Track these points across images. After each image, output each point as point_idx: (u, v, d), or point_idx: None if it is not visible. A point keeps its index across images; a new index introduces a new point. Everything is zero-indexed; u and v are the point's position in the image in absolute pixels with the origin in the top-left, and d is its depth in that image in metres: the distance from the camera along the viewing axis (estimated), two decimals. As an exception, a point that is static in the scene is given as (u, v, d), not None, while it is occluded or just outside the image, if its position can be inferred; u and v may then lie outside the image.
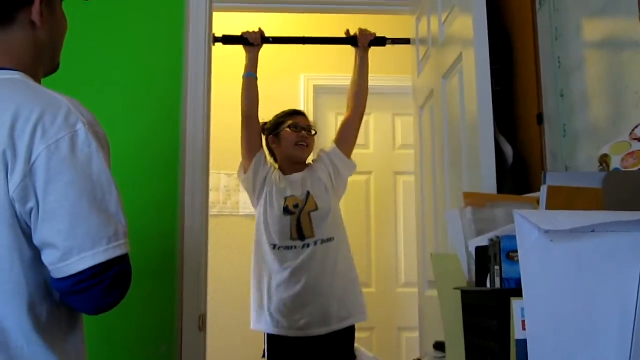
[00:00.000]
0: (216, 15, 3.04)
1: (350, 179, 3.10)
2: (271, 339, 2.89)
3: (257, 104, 3.00)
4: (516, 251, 1.20)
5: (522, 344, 1.09)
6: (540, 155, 2.17)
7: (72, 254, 1.21)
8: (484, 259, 1.42)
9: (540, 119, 2.18)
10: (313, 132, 3.07)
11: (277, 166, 3.08)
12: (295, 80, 4.40)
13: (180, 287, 2.71)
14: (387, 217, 4.39)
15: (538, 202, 1.43)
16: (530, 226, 1.03)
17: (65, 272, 1.22)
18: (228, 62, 3.43)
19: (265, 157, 3.02)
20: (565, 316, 1.01)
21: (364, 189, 4.35)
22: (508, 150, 2.33)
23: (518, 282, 1.15)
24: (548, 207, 1.29)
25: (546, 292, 1.02)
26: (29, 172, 1.21)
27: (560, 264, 1.02)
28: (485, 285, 1.39)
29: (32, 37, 1.39)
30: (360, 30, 3.06)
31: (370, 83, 3.06)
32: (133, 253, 1.31)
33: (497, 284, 1.30)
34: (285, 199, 2.94)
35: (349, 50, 3.13)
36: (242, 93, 3.00)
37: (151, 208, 2.72)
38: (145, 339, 2.67)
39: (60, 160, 1.22)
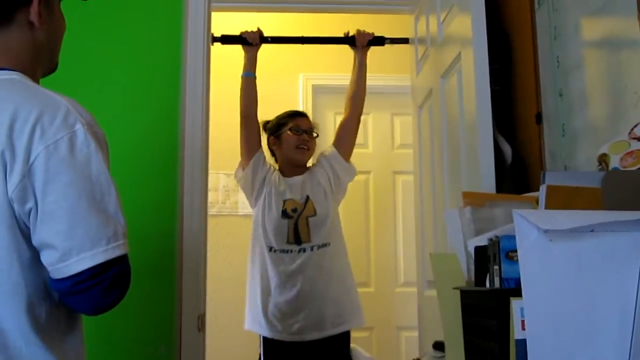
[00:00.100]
0: (215, 15, 3.04)
1: (349, 178, 3.10)
2: (266, 342, 2.89)
3: (256, 104, 2.99)
4: (515, 251, 1.20)
5: (522, 344, 1.09)
6: (539, 155, 2.17)
7: (71, 254, 1.21)
8: (483, 258, 1.42)
9: (539, 118, 2.18)
10: (314, 135, 3.06)
11: (276, 167, 3.07)
12: (294, 80, 4.40)
13: (179, 287, 2.71)
14: (386, 216, 4.39)
15: (537, 202, 1.43)
16: (530, 226, 1.03)
17: (64, 272, 1.22)
18: (227, 61, 3.42)
19: (264, 157, 3.01)
20: (564, 316, 1.01)
21: (363, 188, 4.34)
22: (507, 149, 2.33)
23: (517, 281, 1.15)
24: (547, 207, 1.29)
25: (545, 292, 1.02)
26: (28, 172, 1.21)
27: (559, 264, 1.02)
28: (485, 285, 1.39)
29: (31, 37, 1.39)
30: (358, 30, 3.06)
31: (369, 82, 3.06)
32: (132, 253, 1.31)
33: (497, 284, 1.30)
34: (284, 202, 2.93)
35: (347, 50, 3.13)
36: (241, 93, 3.00)
37: (150, 208, 2.72)
38: (144, 339, 2.67)
39: (59, 161, 1.22)
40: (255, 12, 3.38)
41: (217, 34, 3.03)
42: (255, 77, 2.99)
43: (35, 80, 1.40)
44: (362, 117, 3.11)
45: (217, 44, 3.05)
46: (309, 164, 3.09)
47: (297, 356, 2.87)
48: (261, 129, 3.12)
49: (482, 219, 1.61)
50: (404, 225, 4.29)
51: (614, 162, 1.45)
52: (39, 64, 1.43)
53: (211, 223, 3.59)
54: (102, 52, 2.82)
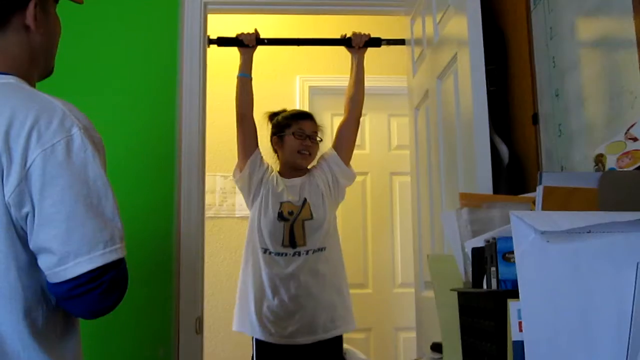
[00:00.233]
0: (211, 17, 3.04)
1: (347, 179, 3.09)
2: (259, 344, 2.88)
3: (252, 104, 2.97)
4: (512, 252, 1.20)
5: (519, 345, 1.09)
6: (535, 155, 2.17)
7: (68, 258, 1.21)
8: (481, 260, 1.42)
9: (535, 118, 2.18)
10: (318, 139, 3.04)
11: (276, 167, 3.05)
12: (290, 81, 4.40)
13: (177, 289, 2.71)
14: (383, 217, 4.39)
15: (534, 202, 1.43)
16: (526, 227, 1.03)
17: (62, 276, 1.22)
18: (223, 63, 3.42)
19: (261, 157, 2.99)
20: (561, 317, 1.01)
21: (360, 189, 4.34)
22: (503, 150, 2.33)
23: (514, 283, 1.15)
24: (544, 208, 1.29)
25: (542, 293, 1.02)
26: (25, 176, 1.21)
27: (556, 265, 1.02)
28: (482, 286, 1.39)
29: (27, 41, 1.39)
30: (354, 32, 3.06)
31: (366, 84, 3.06)
32: (129, 256, 1.31)
33: (494, 285, 1.30)
34: (281, 204, 2.91)
35: (344, 51, 3.13)
36: (236, 93, 2.98)
37: (147, 211, 2.72)
38: (142, 342, 2.68)
39: (56, 165, 1.22)
40: (251, 14, 3.38)
41: (214, 36, 3.03)
42: (250, 78, 2.98)
43: (32, 84, 1.40)
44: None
45: (214, 46, 3.04)
46: (309, 166, 3.08)
47: (289, 359, 2.87)
48: (268, 121, 3.11)
49: (479, 220, 1.61)
50: (401, 226, 4.29)
51: (611, 162, 1.45)
52: (35, 68, 1.43)
53: (208, 225, 3.60)
54: (99, 55, 2.83)
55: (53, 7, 1.46)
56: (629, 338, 0.98)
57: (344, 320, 2.94)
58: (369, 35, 3.06)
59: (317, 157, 3.09)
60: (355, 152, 3.12)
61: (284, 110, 3.19)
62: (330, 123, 4.20)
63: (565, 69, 1.97)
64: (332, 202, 3.01)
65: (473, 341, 1.38)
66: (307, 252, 2.88)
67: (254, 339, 2.90)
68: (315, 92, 4.39)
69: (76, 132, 1.26)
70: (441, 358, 1.72)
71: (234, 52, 3.06)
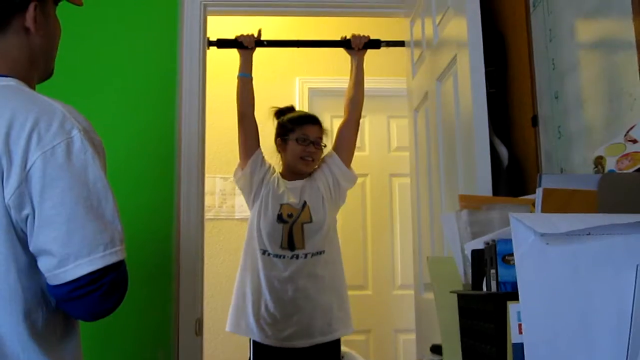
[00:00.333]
0: (210, 19, 3.04)
1: (346, 181, 3.08)
2: (256, 346, 2.87)
3: (252, 104, 2.97)
4: (512, 254, 1.20)
5: (519, 348, 1.09)
6: (535, 157, 2.17)
7: (68, 260, 1.21)
8: (480, 262, 1.42)
9: (534, 120, 2.18)
10: (322, 145, 3.02)
11: (278, 168, 3.04)
12: (290, 83, 4.40)
13: (177, 291, 2.71)
14: (382, 219, 4.39)
15: (533, 204, 1.43)
16: (526, 229, 1.03)
17: (62, 278, 1.22)
18: (223, 65, 3.43)
19: (263, 157, 2.99)
20: (561, 319, 1.01)
21: (360, 191, 4.34)
22: (503, 152, 2.33)
23: (514, 285, 1.15)
24: (543, 210, 1.29)
25: (542, 296, 1.02)
26: (25, 178, 1.21)
27: (556, 267, 1.02)
28: (482, 289, 1.39)
29: (27, 43, 1.39)
30: (354, 34, 3.06)
31: (365, 85, 3.06)
32: (129, 258, 1.31)
33: (493, 288, 1.30)
34: (281, 206, 2.91)
35: (343, 53, 3.13)
36: (237, 93, 2.97)
37: (147, 212, 2.73)
38: (142, 344, 2.67)
39: (56, 167, 1.22)
40: (250, 16, 3.38)
41: (213, 38, 3.03)
42: (251, 78, 2.98)
43: (32, 86, 1.40)
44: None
45: (213, 48, 3.05)
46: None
47: None
48: (274, 117, 3.10)
49: (479, 221, 1.61)
50: (401, 227, 4.29)
51: (610, 164, 1.45)
52: (35, 70, 1.43)
53: (208, 227, 3.60)
54: (98, 57, 2.83)
55: (53, 9, 1.46)
56: (629, 340, 0.98)
57: (342, 323, 2.93)
58: (368, 37, 3.06)
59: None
60: (354, 153, 3.11)
61: (292, 108, 3.18)
62: (329, 125, 4.20)
63: (565, 70, 1.97)
64: (333, 205, 3.00)
65: (473, 343, 1.38)
66: (305, 256, 2.87)
67: (251, 341, 2.89)
68: (314, 93, 4.40)
69: (76, 134, 1.26)
70: (441, 360, 1.72)
71: (233, 54, 3.06)
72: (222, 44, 3.05)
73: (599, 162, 1.48)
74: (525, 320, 1.03)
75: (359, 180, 4.28)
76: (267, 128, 3.15)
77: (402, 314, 4.12)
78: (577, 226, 1.02)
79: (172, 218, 2.76)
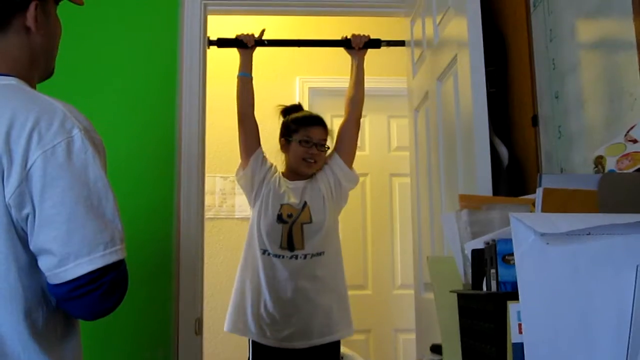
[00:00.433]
0: (211, 18, 3.04)
1: (346, 181, 3.08)
2: (255, 346, 2.87)
3: (252, 103, 2.96)
4: (512, 254, 1.20)
5: (519, 347, 1.09)
6: (535, 157, 2.17)
7: (68, 259, 1.21)
8: (480, 261, 1.42)
9: (535, 120, 2.18)
10: (325, 147, 3.00)
11: (281, 167, 3.04)
12: (290, 83, 4.40)
13: (177, 290, 2.71)
14: (382, 218, 4.39)
15: (534, 204, 1.43)
16: (526, 229, 1.03)
17: (62, 277, 1.22)
18: (223, 65, 3.42)
19: (264, 157, 2.98)
20: (561, 319, 1.01)
21: (360, 190, 4.34)
22: (503, 151, 2.33)
23: (514, 285, 1.15)
24: (543, 210, 1.29)
25: (542, 296, 1.02)
26: (25, 178, 1.21)
27: (556, 267, 1.02)
28: (482, 288, 1.39)
29: (27, 43, 1.39)
30: (354, 33, 3.06)
31: (365, 85, 3.06)
32: (129, 257, 1.31)
33: (493, 287, 1.30)
34: (281, 206, 2.90)
35: (344, 53, 3.13)
36: (237, 92, 2.97)
37: (147, 212, 2.73)
38: (141, 343, 2.67)
39: (56, 166, 1.22)
40: (251, 15, 3.38)
41: (213, 37, 3.03)
42: (251, 77, 2.97)
43: (32, 85, 1.40)
44: (358, 120, 3.09)
45: (213, 47, 3.05)
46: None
47: None
48: (280, 115, 3.10)
49: (479, 221, 1.61)
50: (401, 227, 4.29)
51: (610, 164, 1.45)
52: (36, 69, 1.43)
53: (208, 226, 3.60)
54: (99, 56, 2.83)
55: (54, 9, 1.46)
56: (629, 340, 0.98)
57: (341, 325, 2.92)
58: (368, 36, 3.06)
59: None
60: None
61: (299, 106, 3.17)
62: (330, 124, 4.20)
63: (565, 70, 1.97)
64: (334, 206, 2.99)
65: (473, 343, 1.38)
66: (305, 256, 2.86)
67: (250, 341, 2.89)
68: (315, 93, 4.39)
69: (77, 133, 1.26)
70: (441, 359, 1.72)
71: (233, 54, 3.06)
72: (222, 43, 3.05)
73: (599, 162, 1.48)
74: (525, 320, 1.03)
75: (359, 179, 4.29)
76: (267, 127, 3.15)
77: (402, 314, 4.12)
78: (577, 226, 1.02)
79: (172, 217, 2.76)
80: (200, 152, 2.85)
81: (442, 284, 1.65)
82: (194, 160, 2.80)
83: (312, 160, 2.95)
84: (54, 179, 1.22)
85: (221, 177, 4.23)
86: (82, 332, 1.39)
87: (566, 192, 1.31)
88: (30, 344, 1.23)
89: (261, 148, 2.98)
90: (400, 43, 3.16)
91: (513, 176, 2.31)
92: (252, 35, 3.00)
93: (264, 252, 2.87)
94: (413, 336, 3.09)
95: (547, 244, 1.02)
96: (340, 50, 3.14)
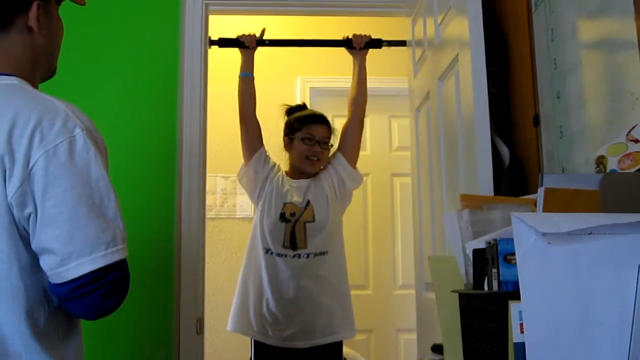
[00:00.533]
0: (212, 18, 3.04)
1: (347, 181, 3.08)
2: (257, 345, 2.86)
3: (254, 103, 2.97)
4: (513, 254, 1.19)
5: (520, 347, 1.09)
6: (536, 157, 2.17)
7: (70, 259, 1.21)
8: (482, 261, 1.42)
9: (536, 120, 2.18)
10: (329, 145, 3.00)
11: (285, 167, 3.04)
12: (291, 83, 4.40)
13: (178, 290, 2.71)
14: (384, 218, 4.39)
15: (535, 204, 1.43)
16: (528, 229, 1.03)
17: (64, 277, 1.22)
18: (224, 65, 3.43)
19: (267, 156, 2.98)
20: (563, 319, 1.01)
21: (361, 190, 4.33)
22: (504, 151, 2.33)
23: (516, 285, 1.15)
24: (545, 210, 1.29)
25: (544, 295, 1.02)
26: (27, 177, 1.21)
27: (557, 267, 1.02)
28: (483, 288, 1.39)
29: (29, 42, 1.39)
30: (355, 34, 3.06)
31: (367, 85, 3.06)
32: (130, 257, 1.31)
33: (495, 287, 1.30)
34: (284, 204, 2.90)
35: (345, 52, 3.13)
36: (239, 92, 2.97)
37: (148, 211, 2.73)
38: (143, 342, 2.68)
39: (58, 166, 1.22)
40: (252, 15, 3.38)
41: (215, 37, 3.03)
42: (252, 77, 2.98)
43: (34, 85, 1.40)
44: (359, 120, 3.09)
45: (215, 47, 3.05)
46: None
47: None
48: (285, 115, 3.09)
49: (480, 221, 1.61)
50: (402, 227, 4.29)
51: (612, 164, 1.45)
52: (38, 69, 1.43)
53: (209, 226, 3.60)
54: (100, 56, 2.83)
55: (56, 9, 1.47)
56: (631, 340, 0.98)
57: (343, 326, 2.91)
58: (369, 36, 3.06)
59: None
60: (357, 153, 3.10)
61: (303, 106, 3.18)
62: (331, 124, 4.20)
63: (567, 70, 1.97)
64: (337, 205, 2.99)
65: (474, 343, 1.38)
66: (307, 256, 2.86)
67: (252, 340, 2.89)
68: (316, 93, 4.39)
69: (79, 133, 1.26)
70: (442, 359, 1.72)
71: (235, 53, 3.06)
72: (223, 43, 3.06)
73: (600, 161, 1.48)
74: (526, 320, 1.03)
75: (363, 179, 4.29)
76: (269, 127, 3.15)
77: (403, 314, 4.12)
78: (579, 226, 1.02)
79: (173, 217, 2.76)
80: (202, 152, 2.85)
81: (444, 284, 1.65)
82: (195, 160, 2.80)
83: (315, 158, 2.95)
84: (56, 178, 1.22)
85: (222, 176, 4.23)
86: (83, 331, 1.39)
87: (568, 191, 1.31)
88: (31, 343, 1.23)
89: (264, 147, 2.98)
90: (402, 43, 3.16)
91: (514, 176, 2.30)
92: (254, 35, 3.00)
93: (267, 251, 2.87)
94: (414, 336, 3.09)
95: (549, 243, 1.02)
96: (342, 50, 3.14)
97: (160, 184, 2.78)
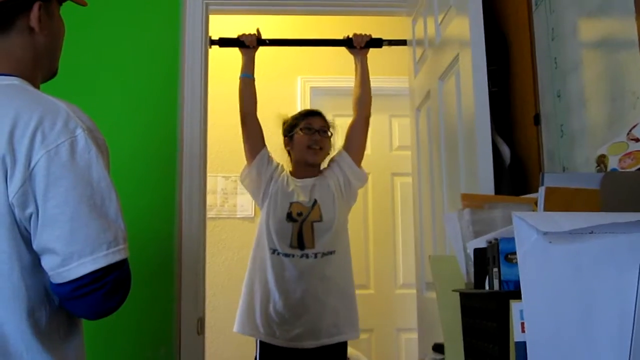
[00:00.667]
0: (212, 18, 3.04)
1: (347, 181, 3.08)
2: (263, 345, 2.86)
3: (255, 103, 2.97)
4: (514, 253, 1.20)
5: (521, 346, 1.09)
6: (537, 156, 2.17)
7: (72, 259, 1.22)
8: (483, 261, 1.42)
9: (537, 119, 2.18)
10: (328, 134, 3.03)
11: (287, 167, 3.04)
12: (292, 82, 4.40)
13: (179, 290, 2.71)
14: (384, 218, 4.39)
15: (536, 203, 1.43)
16: (529, 228, 1.03)
17: (65, 277, 1.23)
18: (225, 64, 3.43)
19: (269, 156, 2.98)
20: (564, 318, 1.01)
21: (362, 190, 4.30)
22: (505, 150, 2.33)
23: (517, 284, 1.15)
24: (546, 209, 1.29)
25: (545, 294, 1.02)
26: (29, 177, 1.21)
27: (558, 266, 1.02)
28: (484, 287, 1.39)
29: (31, 43, 1.39)
30: (355, 33, 3.06)
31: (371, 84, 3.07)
32: (131, 256, 1.31)
33: (496, 286, 1.30)
34: (291, 204, 2.89)
35: (345, 52, 3.13)
36: (240, 93, 2.98)
37: (149, 211, 2.73)
38: (144, 342, 2.68)
39: (60, 166, 1.23)
40: (252, 15, 3.38)
41: (215, 37, 3.03)
42: (253, 78, 2.98)
43: (36, 85, 1.41)
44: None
45: (215, 47, 3.05)
46: (321, 167, 3.06)
47: None
48: (282, 126, 3.10)
49: (481, 220, 1.61)
50: (403, 226, 4.29)
51: (613, 163, 1.45)
52: (39, 69, 1.43)
53: (210, 226, 3.60)
54: (100, 56, 2.83)
55: (57, 9, 1.47)
56: (632, 339, 0.98)
57: (349, 326, 2.91)
58: (370, 35, 3.06)
59: (328, 158, 3.07)
60: (360, 152, 3.10)
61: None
62: (330, 123, 4.20)
63: (567, 69, 1.97)
64: (344, 204, 2.99)
65: (475, 342, 1.38)
66: (315, 255, 2.85)
67: (257, 341, 2.88)
68: (316, 92, 4.39)
69: (80, 133, 1.26)
70: (443, 359, 1.72)
71: (235, 53, 3.06)
72: (224, 42, 3.05)
73: (601, 160, 1.48)
74: (528, 319, 1.03)
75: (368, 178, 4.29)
76: (270, 128, 3.15)
77: (404, 313, 4.12)
78: (580, 225, 1.02)
79: (174, 217, 2.76)
80: (202, 152, 2.85)
81: (445, 283, 1.66)
82: (195, 159, 2.80)
83: (317, 147, 2.97)
84: (58, 178, 1.22)
85: (223, 176, 4.23)
86: (84, 331, 1.39)
87: (569, 191, 1.31)
88: (33, 343, 1.23)
89: (266, 148, 2.98)
90: (402, 42, 3.16)
91: (515, 175, 2.30)
92: (254, 35, 3.00)
93: (274, 251, 2.86)
94: (415, 335, 3.09)
95: (550, 242, 1.02)
96: (342, 49, 3.14)
97: (160, 183, 2.78)
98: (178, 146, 2.80)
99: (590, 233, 1.02)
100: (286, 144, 3.05)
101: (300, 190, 2.93)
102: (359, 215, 4.32)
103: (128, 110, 2.80)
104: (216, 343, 3.96)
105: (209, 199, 3.82)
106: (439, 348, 1.86)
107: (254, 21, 3.28)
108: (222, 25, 3.31)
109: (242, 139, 2.99)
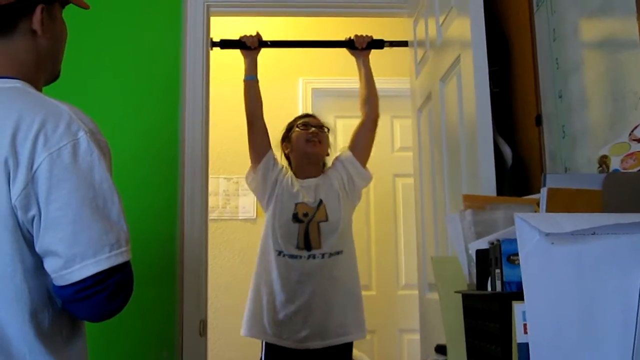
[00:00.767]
0: (214, 20, 3.04)
1: (349, 181, 3.08)
2: (269, 347, 2.86)
3: (261, 105, 2.98)
4: (517, 254, 1.19)
5: (524, 347, 1.09)
6: (539, 157, 2.17)
7: (74, 261, 1.22)
8: (485, 262, 1.42)
9: (538, 120, 2.18)
10: (325, 130, 3.04)
11: (290, 170, 3.04)
12: (293, 84, 4.40)
13: (181, 292, 2.71)
14: (386, 219, 4.39)
15: (538, 204, 1.43)
16: (531, 229, 1.03)
17: (68, 279, 1.23)
18: (226, 66, 3.43)
19: (274, 158, 2.98)
20: (566, 319, 1.01)
21: (364, 191, 4.31)
22: (507, 151, 2.33)
23: (519, 285, 1.15)
24: (548, 210, 1.29)
25: (547, 295, 1.02)
26: (31, 180, 1.22)
27: (561, 267, 1.02)
28: (486, 288, 1.39)
29: (33, 46, 1.40)
30: (357, 34, 3.06)
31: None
32: (133, 258, 1.31)
33: (498, 287, 1.29)
34: (296, 205, 2.89)
35: (347, 53, 3.13)
36: (245, 96, 2.98)
37: (151, 213, 2.73)
38: (146, 344, 2.68)
39: (62, 168, 1.23)
40: (254, 17, 3.38)
41: (216, 39, 3.03)
42: (257, 80, 2.99)
43: (38, 88, 1.41)
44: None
45: (217, 49, 3.05)
46: (325, 168, 3.07)
47: None
48: (280, 142, 3.11)
49: (483, 221, 1.61)
50: (405, 227, 4.29)
51: (615, 164, 1.44)
52: (42, 72, 1.43)
53: (212, 228, 3.60)
54: (102, 58, 2.84)
55: (59, 12, 1.47)
56: (634, 340, 0.98)
57: (356, 326, 2.91)
58: (371, 37, 3.07)
59: (332, 158, 3.08)
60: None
61: None
62: (333, 125, 4.20)
63: (569, 70, 1.96)
64: (349, 203, 2.99)
65: (477, 343, 1.38)
66: (322, 256, 2.85)
67: (263, 342, 2.88)
68: (318, 94, 4.39)
69: (82, 136, 1.26)
70: (445, 360, 1.72)
71: (236, 55, 3.06)
72: (225, 44, 3.06)
73: (603, 161, 1.48)
74: (530, 320, 1.03)
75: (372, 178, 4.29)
76: (271, 128, 3.15)
77: (406, 314, 4.12)
78: (582, 226, 1.02)
79: (176, 219, 2.76)
80: (204, 154, 2.85)
81: (447, 284, 1.65)
82: (197, 161, 2.81)
83: (316, 139, 2.98)
84: (60, 181, 1.22)
85: (225, 178, 4.23)
86: (87, 333, 1.40)
87: (571, 191, 1.31)
88: (36, 345, 1.23)
89: (272, 151, 2.98)
90: (403, 43, 3.16)
91: (517, 176, 2.30)
92: (255, 36, 3.00)
93: (279, 253, 2.86)
94: (417, 336, 3.09)
95: (552, 243, 1.02)
96: (344, 51, 3.14)
97: (162, 185, 2.78)
98: (180, 148, 2.80)
99: (592, 234, 1.02)
100: (285, 148, 3.06)
101: (305, 191, 2.93)
102: (361, 217, 4.32)
103: (130, 113, 2.81)
104: (219, 345, 3.96)
105: (211, 201, 3.82)
106: (441, 349, 1.86)
107: (255, 23, 3.28)
108: (224, 27, 3.31)
109: (244, 141, 2.99)
